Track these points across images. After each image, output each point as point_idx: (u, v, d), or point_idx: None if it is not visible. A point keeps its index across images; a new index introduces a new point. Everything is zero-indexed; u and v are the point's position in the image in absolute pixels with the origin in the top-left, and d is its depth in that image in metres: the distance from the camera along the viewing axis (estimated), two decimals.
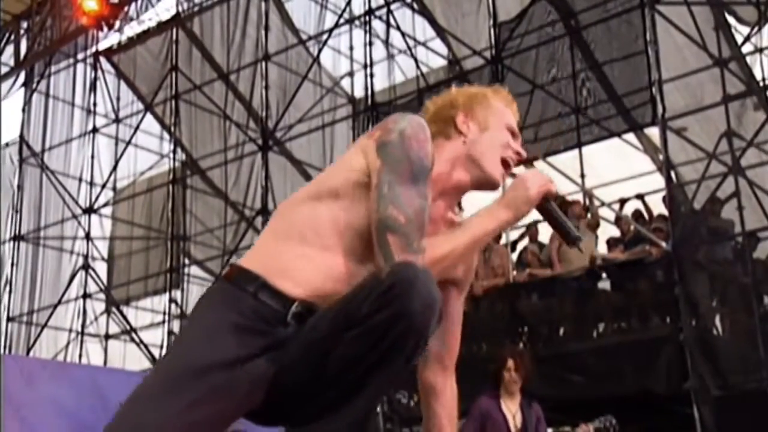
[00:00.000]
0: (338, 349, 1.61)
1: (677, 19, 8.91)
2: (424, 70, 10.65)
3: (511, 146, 2.01)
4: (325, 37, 10.79)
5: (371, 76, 10.21)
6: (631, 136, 10.45)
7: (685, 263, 8.11)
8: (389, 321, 1.57)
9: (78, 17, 11.29)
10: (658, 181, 9.17)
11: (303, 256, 1.75)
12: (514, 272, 9.09)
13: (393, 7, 10.49)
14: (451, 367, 2.12)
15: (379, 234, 1.71)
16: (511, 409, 4.73)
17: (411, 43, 10.48)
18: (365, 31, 10.39)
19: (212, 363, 1.65)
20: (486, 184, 1.99)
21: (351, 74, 11.07)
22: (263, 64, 10.84)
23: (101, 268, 12.47)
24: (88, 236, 12.36)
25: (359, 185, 1.77)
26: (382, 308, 1.57)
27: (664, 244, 8.14)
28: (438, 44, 10.81)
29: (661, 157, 9.07)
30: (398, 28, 10.52)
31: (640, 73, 8.95)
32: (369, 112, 10.25)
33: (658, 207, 8.91)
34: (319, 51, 10.67)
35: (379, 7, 10.41)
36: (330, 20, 10.84)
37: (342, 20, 10.67)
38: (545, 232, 9.33)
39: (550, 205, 1.91)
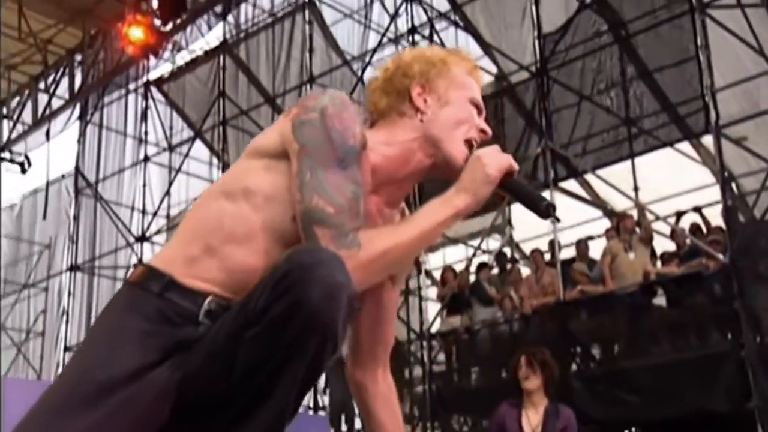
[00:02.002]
0: (240, 351, 1.42)
1: (731, 23, 8.58)
2: None
3: (476, 124, 1.76)
4: (368, 57, 10.69)
5: None
6: (687, 147, 10.09)
7: (745, 276, 7.72)
8: (286, 313, 1.38)
9: (125, 47, 11.44)
10: (718, 193, 8.80)
11: (208, 249, 1.60)
12: (565, 290, 8.77)
13: (436, 23, 10.35)
14: (384, 364, 1.92)
15: (305, 227, 1.54)
16: (532, 418, 4.35)
17: None
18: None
19: (111, 377, 1.48)
20: (447, 169, 1.72)
21: None
22: (308, 86, 10.86)
23: None
24: (140, 261, 12.41)
25: (275, 172, 1.60)
26: (278, 299, 1.39)
27: (721, 256, 7.77)
28: (480, 56, 10.61)
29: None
30: (442, 44, 10.37)
31: (692, 80, 8.63)
32: None
33: (718, 220, 8.54)
34: (363, 71, 10.63)
35: (422, 24, 10.29)
36: (373, 40, 10.83)
37: (385, 39, 10.58)
38: (596, 249, 9.02)
39: (513, 182, 1.68)
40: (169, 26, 11.90)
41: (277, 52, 11.24)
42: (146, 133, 12.95)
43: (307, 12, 11.11)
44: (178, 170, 12.36)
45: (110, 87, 13.28)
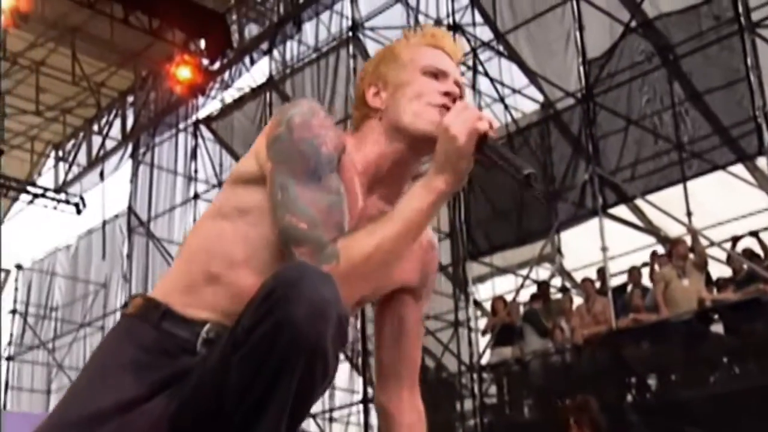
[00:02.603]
0: (230, 375, 1.36)
1: None
2: (516, 114, 10.38)
3: (435, 89, 1.64)
4: None
5: None
6: (741, 170, 9.83)
7: None
8: (272, 332, 1.31)
9: (174, 87, 11.61)
10: None
11: (209, 276, 1.55)
12: (617, 319, 8.56)
13: (480, 52, 10.31)
14: (411, 386, 1.81)
15: (284, 248, 1.49)
16: None
17: (499, 87, 10.26)
18: None
19: (103, 408, 1.45)
20: (422, 141, 1.61)
21: None
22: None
23: None
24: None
25: (262, 192, 1.54)
26: (263, 318, 1.32)
27: None
28: (525, 84, 10.55)
29: None
30: (486, 74, 10.34)
31: (743, 101, 8.43)
32: None
33: None
34: None
35: (466, 54, 10.24)
36: None
37: None
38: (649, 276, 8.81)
39: (489, 146, 1.49)
40: (217, 65, 12.09)
41: (322, 87, 11.27)
42: (196, 171, 13.11)
43: (351, 46, 11.14)
44: None
45: (161, 127, 13.51)
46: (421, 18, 11.01)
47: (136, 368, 1.49)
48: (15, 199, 14.65)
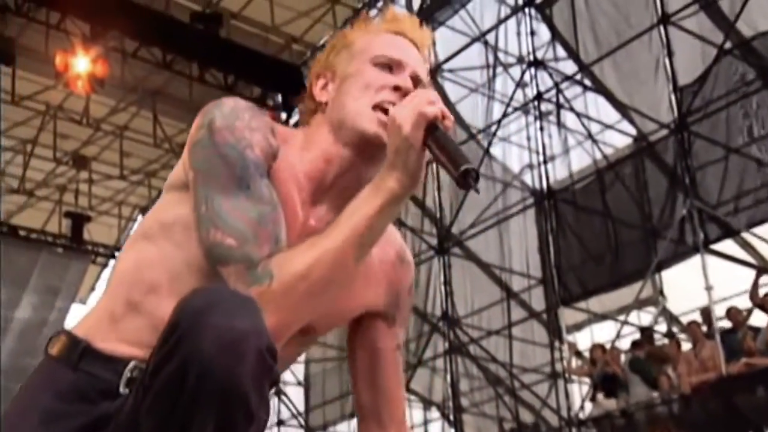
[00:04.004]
0: (140, 428, 1.22)
1: None
2: (606, 150, 10.17)
3: (385, 84, 1.48)
4: (494, 128, 10.71)
5: (545, 162, 9.92)
6: None
7: None
8: (177, 374, 1.15)
9: None
10: None
11: (130, 305, 1.43)
12: (728, 364, 8.15)
13: (565, 86, 10.18)
14: (392, 425, 1.63)
15: (212, 268, 1.37)
16: None
17: (586, 121, 10.09)
18: (536, 117, 10.17)
19: None
20: (364, 144, 1.46)
21: (530, 166, 10.79)
22: (434, 165, 10.72)
23: (292, 392, 12.60)
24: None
25: (187, 204, 1.42)
26: (167, 358, 1.16)
27: None
28: (613, 116, 10.34)
29: None
30: (571, 108, 10.19)
31: None
32: (547, 201, 9.88)
33: None
34: (489, 143, 10.55)
35: (548, 90, 10.15)
36: (498, 111, 10.77)
37: (510, 109, 10.49)
38: (759, 317, 8.37)
39: (438, 136, 1.34)
40: (294, 118, 12.29)
41: None
42: None
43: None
44: None
45: None
46: (501, 56, 11.02)
47: (48, 420, 1.35)
48: (104, 266, 15.11)
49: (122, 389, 1.36)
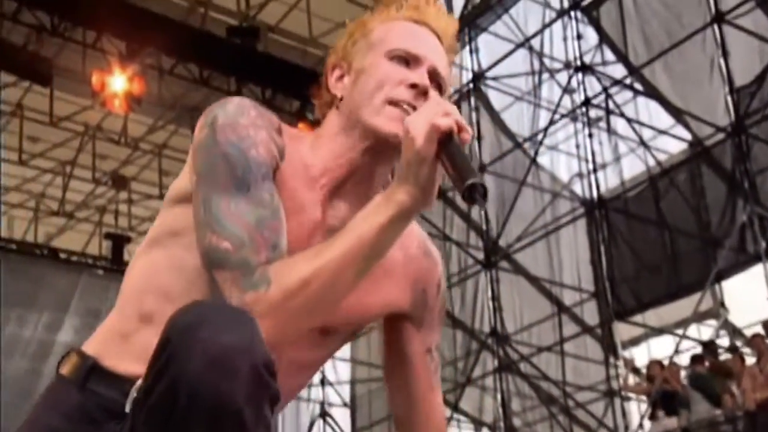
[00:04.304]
0: None
1: None
2: (660, 156, 9.90)
3: (401, 79, 1.42)
4: (541, 136, 10.54)
5: (595, 170, 9.69)
6: None
7: None
8: (167, 394, 1.11)
9: None
10: None
11: (143, 317, 1.40)
12: None
13: (614, 91, 9.94)
14: None
15: (208, 273, 1.33)
16: None
17: (637, 126, 9.84)
18: (584, 124, 9.93)
19: None
20: (380, 145, 1.41)
21: (580, 174, 10.56)
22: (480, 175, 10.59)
23: (338, 414, 12.48)
24: (323, 382, 12.45)
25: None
26: (158, 377, 1.13)
27: None
28: (666, 120, 10.06)
29: None
30: (622, 114, 9.95)
31: None
32: (598, 210, 9.64)
33: None
34: (536, 152, 10.37)
35: (597, 95, 9.91)
36: (544, 118, 10.55)
37: (557, 116, 10.27)
38: None
39: (447, 148, 1.29)
40: None
41: None
42: None
43: (472, 99, 11.06)
44: None
45: None
46: (546, 62, 10.83)
47: None
48: None
49: (127, 409, 1.31)
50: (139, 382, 1.27)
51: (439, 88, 1.44)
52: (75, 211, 14.73)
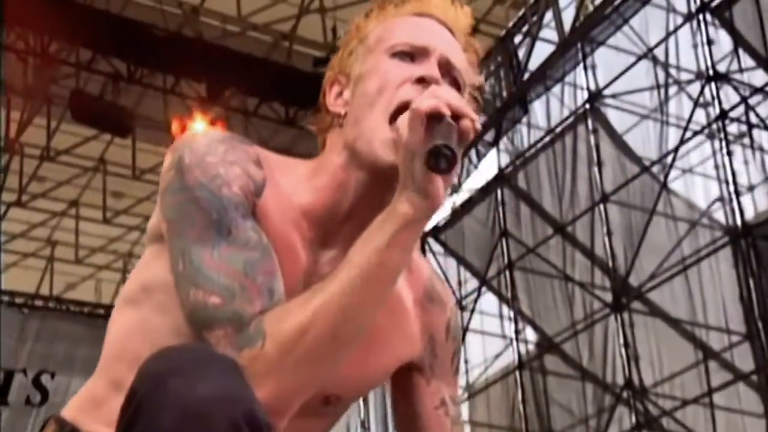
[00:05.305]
0: None
1: None
2: None
3: (402, 77, 1.35)
4: (671, 158, 9.88)
5: (737, 193, 9.00)
6: None
7: None
8: None
9: None
10: None
11: (114, 384, 1.38)
12: None
13: (753, 101, 9.25)
14: None
15: (195, 334, 1.29)
16: None
17: None
18: (722, 141, 9.25)
19: None
20: (379, 173, 1.34)
21: (721, 199, 9.84)
22: (601, 206, 10.17)
23: None
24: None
25: (166, 258, 1.37)
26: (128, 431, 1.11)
27: None
28: None
29: None
30: (767, 127, 9.20)
31: None
32: (743, 239, 8.91)
33: None
34: (666, 176, 9.78)
35: (735, 107, 9.21)
36: (674, 137, 9.91)
37: (689, 133, 9.68)
38: None
39: (435, 131, 1.21)
40: None
41: (560, 173, 10.74)
42: None
43: (590, 120, 10.55)
44: (466, 328, 11.83)
45: None
46: (673, 73, 10.25)
47: None
48: None
49: None
50: None
51: (456, 84, 1.37)
52: None
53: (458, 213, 12.35)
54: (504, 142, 11.79)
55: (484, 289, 11.99)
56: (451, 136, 1.21)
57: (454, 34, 1.42)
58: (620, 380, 9.96)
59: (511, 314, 11.48)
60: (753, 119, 9.28)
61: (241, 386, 1.07)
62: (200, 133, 1.40)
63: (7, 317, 11.25)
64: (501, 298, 11.81)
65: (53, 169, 12.43)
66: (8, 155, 11.68)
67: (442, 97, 1.23)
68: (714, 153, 9.58)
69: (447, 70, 1.37)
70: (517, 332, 11.32)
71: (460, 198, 12.46)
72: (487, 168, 11.93)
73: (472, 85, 1.44)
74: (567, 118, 10.92)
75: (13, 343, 11.13)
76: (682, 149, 9.81)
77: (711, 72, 9.41)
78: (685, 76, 10.12)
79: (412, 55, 1.37)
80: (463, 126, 1.22)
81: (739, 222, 9.21)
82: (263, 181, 1.36)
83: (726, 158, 9.25)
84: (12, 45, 10.39)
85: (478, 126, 1.25)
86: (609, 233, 10.09)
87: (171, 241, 1.32)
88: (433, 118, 1.21)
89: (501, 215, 11.52)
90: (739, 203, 9.22)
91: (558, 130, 11.03)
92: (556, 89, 11.11)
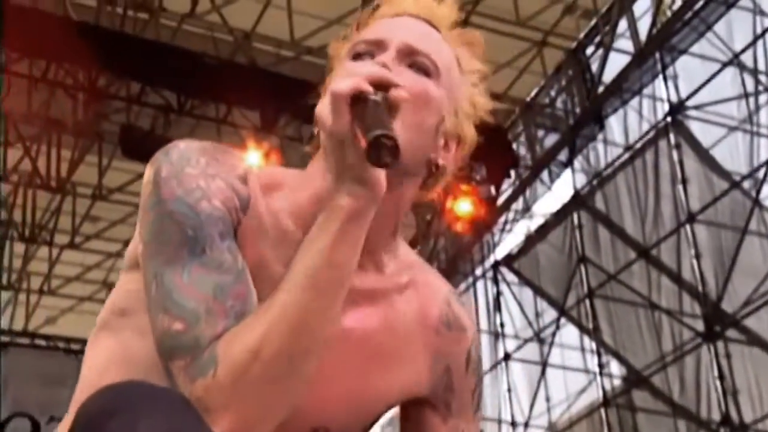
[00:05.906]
0: None
1: None
2: None
3: (353, 71, 1.28)
4: (763, 172, 9.45)
5: None
6: None
7: None
8: None
9: (452, 224, 11.24)
10: None
11: None
12: None
13: None
14: None
15: (164, 369, 1.22)
16: None
17: None
18: None
19: None
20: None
21: None
22: (687, 227, 9.85)
23: None
24: None
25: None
26: None
27: None
28: None
29: None
30: None
31: None
32: None
33: None
34: (758, 191, 9.42)
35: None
36: (766, 149, 9.60)
37: None
38: None
39: (360, 111, 1.16)
40: (507, 190, 11.67)
41: (642, 192, 10.42)
42: (502, 324, 12.53)
43: (671, 134, 10.23)
44: (545, 363, 11.64)
45: (456, 277, 13.17)
46: (763, 80, 9.90)
47: None
48: None
49: None
50: None
51: (424, 68, 1.34)
52: None
53: (532, 239, 12.14)
54: (579, 161, 11.57)
55: (563, 320, 11.74)
56: (382, 117, 1.17)
57: (435, 26, 1.41)
58: (716, 416, 9.62)
59: (594, 347, 11.23)
60: None
61: (189, 424, 1.05)
62: (180, 142, 1.36)
63: (64, 364, 11.18)
64: (582, 329, 11.54)
65: (106, 208, 12.41)
66: (60, 196, 11.70)
67: (359, 72, 1.23)
68: None
69: (407, 54, 1.34)
70: (600, 366, 11.06)
71: (533, 223, 12.26)
72: (561, 190, 11.72)
73: (471, 72, 1.41)
74: (647, 133, 10.67)
75: (68, 392, 11.04)
76: None
77: None
78: None
79: (371, 52, 1.36)
80: (392, 97, 1.22)
81: None
82: (248, 198, 1.33)
83: None
84: (61, 81, 10.40)
85: (405, 94, 1.23)
86: (697, 256, 9.82)
87: (145, 262, 1.29)
88: (359, 99, 1.18)
89: (578, 240, 11.32)
90: None
91: (637, 146, 10.78)
92: (634, 102, 10.88)
